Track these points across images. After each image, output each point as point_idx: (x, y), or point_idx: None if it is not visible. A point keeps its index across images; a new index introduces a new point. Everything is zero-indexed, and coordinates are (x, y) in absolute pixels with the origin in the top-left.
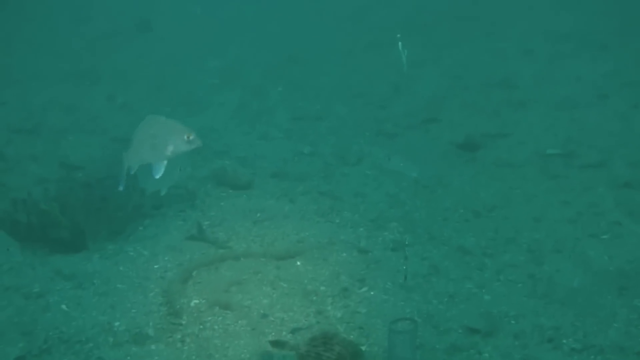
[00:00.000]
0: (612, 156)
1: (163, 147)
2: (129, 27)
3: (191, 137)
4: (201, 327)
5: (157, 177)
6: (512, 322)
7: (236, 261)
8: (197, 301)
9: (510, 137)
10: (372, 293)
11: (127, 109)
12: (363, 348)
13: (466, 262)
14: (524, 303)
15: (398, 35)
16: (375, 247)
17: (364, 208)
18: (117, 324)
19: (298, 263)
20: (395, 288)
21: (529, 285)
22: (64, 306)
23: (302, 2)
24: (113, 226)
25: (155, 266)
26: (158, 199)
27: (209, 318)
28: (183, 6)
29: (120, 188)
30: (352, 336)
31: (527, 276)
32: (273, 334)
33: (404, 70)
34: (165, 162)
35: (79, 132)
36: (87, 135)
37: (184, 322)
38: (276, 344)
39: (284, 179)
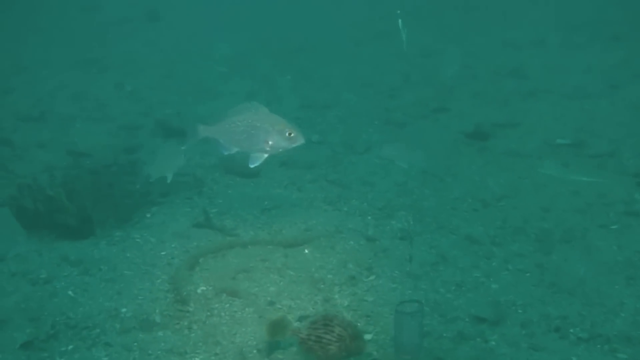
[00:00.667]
0: (621, 146)
1: (262, 139)
2: (138, 15)
3: (292, 135)
4: (208, 314)
5: (252, 166)
6: (520, 311)
7: (243, 249)
8: (204, 288)
9: (520, 127)
10: (379, 281)
11: (135, 97)
12: (370, 336)
13: (474, 251)
14: (531, 292)
15: (398, 12)
16: (383, 235)
17: (372, 196)
18: (124, 310)
19: (306, 251)
20: (403, 276)
21: (537, 274)
22: (70, 292)
23: None
24: (120, 213)
25: (162, 253)
26: (165, 186)
27: (216, 305)
28: None
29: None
30: (359, 324)
31: (535, 266)
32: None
33: (404, 50)
34: (266, 156)
35: (86, 120)
36: (95, 123)
37: (191, 309)
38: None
39: (291, 167)
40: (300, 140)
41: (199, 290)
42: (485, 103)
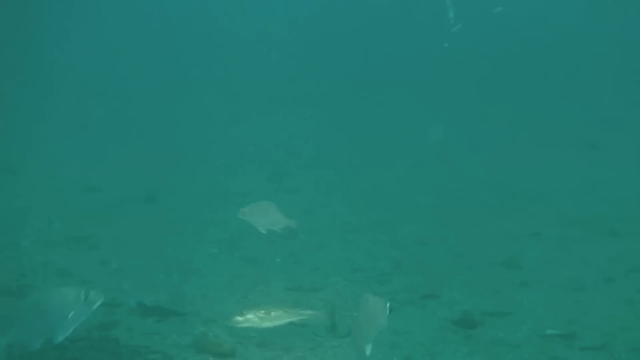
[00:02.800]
0: (614, 340)
1: None
2: (135, 197)
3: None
4: None
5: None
6: None
7: None
8: None
9: (510, 316)
10: None
11: (120, 275)
12: None
13: None
14: None
15: None
16: None
17: None
18: None
19: None
20: None
21: None
22: None
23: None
24: None
25: None
26: None
27: None
28: (192, 178)
29: None
30: None
31: None
32: None
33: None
34: None
35: None
36: None
37: None
38: None
39: (269, 349)
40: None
41: None
42: (476, 291)
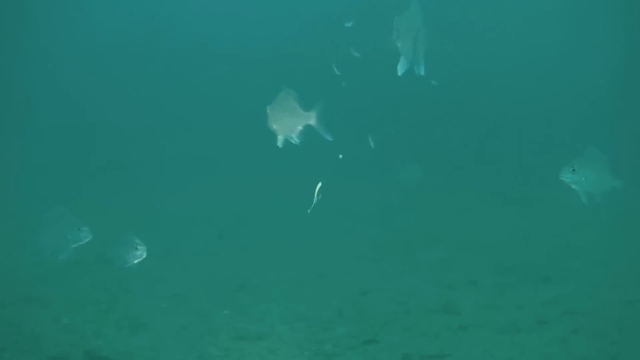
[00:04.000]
0: None
1: None
2: (87, 259)
3: None
4: None
5: None
6: None
7: None
8: None
9: (449, 358)
10: None
11: (70, 329)
12: None
13: None
14: None
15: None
16: None
17: None
18: None
19: None
20: None
21: None
22: None
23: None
24: None
25: None
26: None
27: None
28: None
29: None
30: None
31: None
32: None
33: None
34: None
35: (15, 351)
36: (23, 354)
37: None
38: None
39: None
40: None
41: None
42: (416, 336)
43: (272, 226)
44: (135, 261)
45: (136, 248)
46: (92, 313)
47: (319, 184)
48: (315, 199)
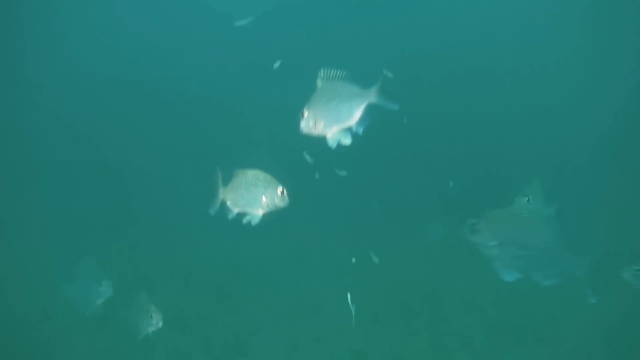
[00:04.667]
0: None
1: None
2: (87, 321)
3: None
4: None
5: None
6: None
7: None
8: None
9: None
10: None
11: None
12: None
13: None
14: None
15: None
16: None
17: None
18: None
19: None
20: None
21: None
22: None
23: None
24: None
25: None
26: None
27: None
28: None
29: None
30: None
31: None
32: None
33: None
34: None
35: None
36: None
37: None
38: None
39: None
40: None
41: None
42: None
43: (273, 284)
44: (150, 330)
45: (151, 316)
46: None
47: (348, 295)
48: (352, 309)
